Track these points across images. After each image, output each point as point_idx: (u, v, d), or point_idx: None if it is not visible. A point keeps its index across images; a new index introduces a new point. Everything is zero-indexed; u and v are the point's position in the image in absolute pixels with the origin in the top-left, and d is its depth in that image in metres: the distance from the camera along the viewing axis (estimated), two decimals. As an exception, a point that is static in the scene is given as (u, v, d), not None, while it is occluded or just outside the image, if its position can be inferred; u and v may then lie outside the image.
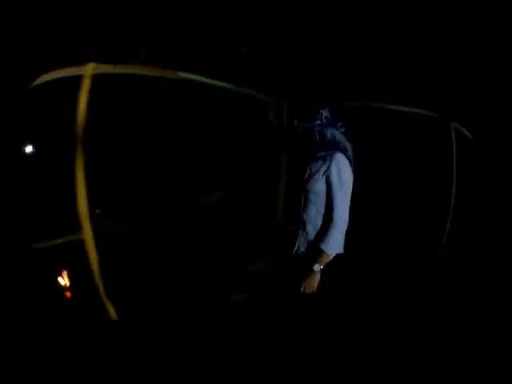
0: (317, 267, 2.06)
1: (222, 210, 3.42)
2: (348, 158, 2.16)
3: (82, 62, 2.33)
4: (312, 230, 2.17)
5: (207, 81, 2.66)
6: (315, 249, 2.10)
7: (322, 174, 2.12)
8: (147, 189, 3.15)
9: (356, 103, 3.30)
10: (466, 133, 3.89)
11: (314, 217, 2.16)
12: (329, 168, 2.10)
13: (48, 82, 2.34)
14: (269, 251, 3.01)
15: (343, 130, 2.23)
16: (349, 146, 2.21)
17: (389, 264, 3.50)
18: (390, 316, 2.47)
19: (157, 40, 2.57)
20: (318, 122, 2.19)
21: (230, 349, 2.42)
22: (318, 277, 2.08)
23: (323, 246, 2.06)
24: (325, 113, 2.22)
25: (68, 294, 2.60)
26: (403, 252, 3.63)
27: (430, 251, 3.68)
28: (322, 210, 2.14)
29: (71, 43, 2.30)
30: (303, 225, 2.19)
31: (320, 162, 2.15)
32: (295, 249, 2.21)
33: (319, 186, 2.12)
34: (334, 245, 2.07)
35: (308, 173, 2.19)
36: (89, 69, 2.21)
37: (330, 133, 2.20)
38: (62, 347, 2.28)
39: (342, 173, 2.11)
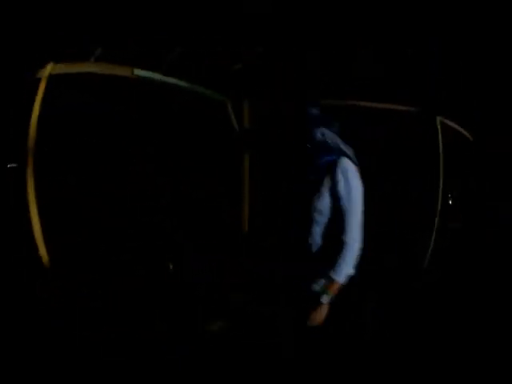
0: (326, 299, 1.72)
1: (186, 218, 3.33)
2: (354, 163, 1.82)
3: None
4: (318, 254, 1.81)
5: (162, 78, 2.55)
6: (321, 276, 1.76)
7: (324, 186, 1.76)
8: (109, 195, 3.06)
9: (332, 101, 3.11)
10: (455, 126, 3.84)
11: (317, 239, 1.81)
12: (333, 179, 1.74)
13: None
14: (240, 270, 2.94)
15: (336, 128, 1.88)
16: (349, 149, 1.87)
17: (374, 266, 3.43)
18: (384, 318, 2.43)
19: (157, 40, 2.56)
20: (302, 118, 1.86)
21: (229, 349, 2.42)
22: (326, 309, 1.74)
23: (334, 275, 1.70)
24: (310, 108, 1.87)
25: None
26: (388, 254, 3.55)
27: (416, 253, 3.54)
28: (329, 233, 1.79)
29: (71, 43, 2.30)
30: (308, 250, 1.82)
31: (321, 173, 1.79)
32: (296, 277, 1.85)
33: (324, 203, 1.76)
34: (347, 272, 1.72)
35: (308, 187, 1.82)
36: (47, 70, 2.16)
37: (318, 131, 1.84)
38: (62, 347, 2.28)
39: (350, 184, 1.74)
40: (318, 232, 1.80)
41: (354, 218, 1.73)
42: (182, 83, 2.69)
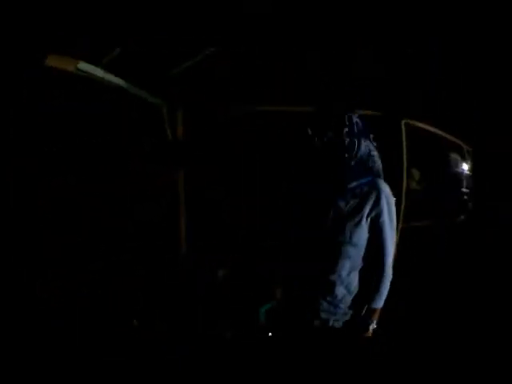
0: (373, 327, 1.61)
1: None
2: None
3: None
4: (343, 291, 1.59)
5: (104, 75, 2.40)
6: (359, 309, 1.63)
7: (365, 215, 1.53)
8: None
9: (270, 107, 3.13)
10: (425, 126, 3.81)
11: (347, 275, 1.57)
12: (377, 206, 1.53)
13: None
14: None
15: (375, 144, 1.64)
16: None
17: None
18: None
19: (157, 40, 2.56)
20: (347, 129, 1.51)
21: (230, 349, 2.42)
22: (371, 333, 1.64)
23: (376, 305, 1.60)
24: (355, 117, 1.57)
25: None
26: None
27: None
28: (360, 264, 1.59)
29: (71, 43, 2.30)
30: (328, 288, 1.58)
31: (359, 198, 1.54)
32: (309, 321, 1.65)
33: (362, 233, 1.54)
34: (385, 296, 1.62)
35: (336, 215, 1.54)
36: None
37: (364, 146, 1.57)
38: (62, 347, 2.28)
39: (393, 211, 1.57)
40: (347, 267, 1.56)
41: (392, 246, 1.60)
42: (122, 82, 2.57)
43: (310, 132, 1.52)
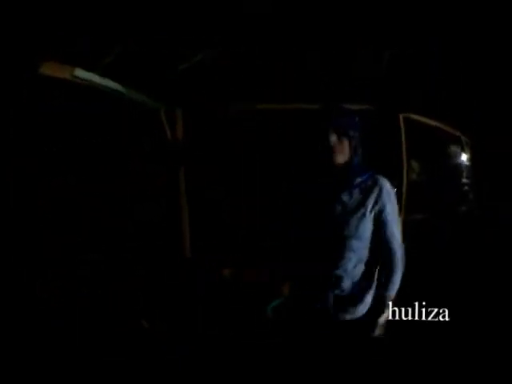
0: (386, 315, 1.64)
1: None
2: None
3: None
4: (349, 284, 1.61)
5: (101, 81, 2.38)
6: (371, 301, 1.64)
7: (368, 209, 1.57)
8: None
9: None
10: (429, 121, 3.79)
11: (353, 268, 1.60)
12: (380, 200, 1.57)
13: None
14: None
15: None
16: None
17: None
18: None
19: (157, 40, 2.56)
20: (358, 126, 1.62)
21: (230, 349, 2.42)
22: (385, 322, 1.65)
23: (389, 293, 1.62)
24: (355, 116, 1.64)
25: None
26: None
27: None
28: (365, 257, 1.62)
29: (71, 43, 2.30)
30: (335, 282, 1.61)
31: (362, 193, 1.59)
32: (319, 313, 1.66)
33: (366, 226, 1.58)
34: (398, 284, 1.64)
35: (341, 210, 1.58)
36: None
37: (361, 146, 1.64)
38: (62, 347, 2.29)
39: (394, 204, 1.63)
40: (353, 261, 1.59)
41: (399, 236, 1.64)
42: (120, 87, 2.55)
43: (329, 130, 1.53)
